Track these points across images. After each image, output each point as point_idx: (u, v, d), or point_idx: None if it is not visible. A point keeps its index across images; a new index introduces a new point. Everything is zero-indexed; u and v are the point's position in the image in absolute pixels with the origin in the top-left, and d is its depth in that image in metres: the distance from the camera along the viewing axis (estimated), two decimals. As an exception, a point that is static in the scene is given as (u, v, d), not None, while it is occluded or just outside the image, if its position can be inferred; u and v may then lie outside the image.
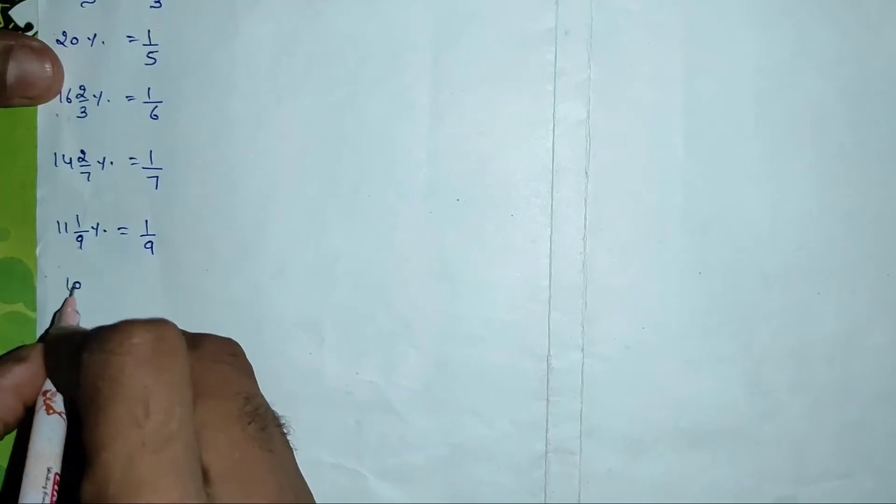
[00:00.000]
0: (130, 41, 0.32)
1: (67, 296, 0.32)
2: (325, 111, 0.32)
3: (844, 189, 0.31)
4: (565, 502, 0.31)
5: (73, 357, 0.24)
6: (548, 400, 0.31)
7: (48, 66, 0.31)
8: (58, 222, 0.32)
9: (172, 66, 0.32)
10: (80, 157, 0.32)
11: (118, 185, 0.32)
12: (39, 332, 0.32)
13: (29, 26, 0.32)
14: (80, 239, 0.32)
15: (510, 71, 0.31)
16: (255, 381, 0.26)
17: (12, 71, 0.30)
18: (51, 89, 0.32)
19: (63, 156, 0.32)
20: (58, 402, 0.26)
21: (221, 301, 0.32)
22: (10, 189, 0.32)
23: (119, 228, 0.32)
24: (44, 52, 0.31)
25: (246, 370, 0.26)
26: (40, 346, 0.28)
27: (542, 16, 0.31)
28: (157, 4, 0.32)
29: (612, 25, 0.31)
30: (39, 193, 0.32)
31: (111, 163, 0.32)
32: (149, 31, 0.32)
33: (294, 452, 0.25)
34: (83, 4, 0.32)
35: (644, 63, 0.31)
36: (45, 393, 0.26)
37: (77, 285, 0.32)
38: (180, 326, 0.32)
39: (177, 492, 0.20)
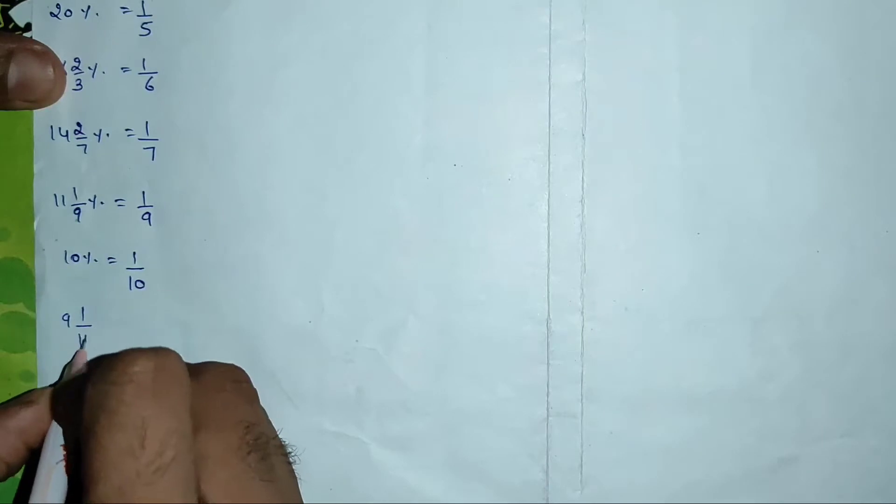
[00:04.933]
0: (124, 12, 0.32)
1: (78, 348, 0.32)
2: (320, 78, 0.31)
3: (842, 146, 0.31)
4: (567, 465, 0.31)
5: (80, 400, 0.23)
6: (548, 363, 0.31)
7: (50, 70, 0.31)
8: (55, 195, 0.32)
9: (167, 36, 0.32)
10: (76, 130, 0.32)
11: (115, 157, 0.32)
12: (39, 331, 0.32)
13: (29, 26, 0.32)
14: (77, 212, 0.32)
15: (505, 34, 0.31)
16: (259, 408, 0.26)
17: (13, 74, 0.30)
18: (52, 93, 0.31)
19: (59, 129, 0.32)
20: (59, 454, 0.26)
21: (220, 271, 0.32)
22: (10, 189, 0.32)
23: (116, 200, 0.32)
24: (46, 55, 0.31)
25: (249, 397, 0.26)
26: (49, 390, 0.28)
27: (535, -22, 0.31)
28: (151, -26, 0.32)
29: (606, -14, 0.31)
30: (36, 167, 0.32)
31: (107, 135, 0.32)
32: (143, 1, 0.32)
33: (298, 481, 0.25)
34: (76, -24, 0.32)
35: (639, 23, 0.31)
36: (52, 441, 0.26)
37: (85, 337, 0.32)
38: (179, 298, 0.32)
39: None
